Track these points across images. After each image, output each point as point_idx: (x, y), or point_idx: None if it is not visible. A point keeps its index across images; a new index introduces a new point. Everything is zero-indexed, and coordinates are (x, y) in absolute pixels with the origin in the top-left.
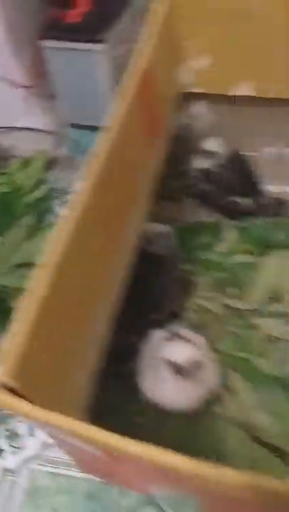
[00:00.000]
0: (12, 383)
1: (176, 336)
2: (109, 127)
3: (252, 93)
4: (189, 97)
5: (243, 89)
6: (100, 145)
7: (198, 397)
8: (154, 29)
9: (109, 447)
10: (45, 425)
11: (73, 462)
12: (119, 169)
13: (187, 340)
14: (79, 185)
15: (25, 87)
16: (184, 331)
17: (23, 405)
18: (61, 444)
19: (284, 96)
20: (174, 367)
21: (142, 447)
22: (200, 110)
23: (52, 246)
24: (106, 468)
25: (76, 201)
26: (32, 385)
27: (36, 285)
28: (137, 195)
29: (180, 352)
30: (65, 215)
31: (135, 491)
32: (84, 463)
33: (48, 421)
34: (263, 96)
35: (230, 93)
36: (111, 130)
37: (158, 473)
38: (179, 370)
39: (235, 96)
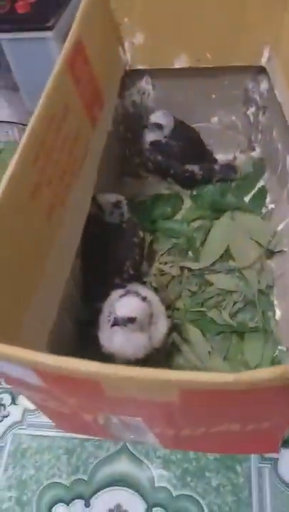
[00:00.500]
0: None
1: (130, 293)
2: (44, 100)
3: (190, 64)
4: (134, 75)
5: (182, 62)
6: (34, 121)
7: (145, 346)
8: (87, 7)
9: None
10: None
11: (52, 423)
12: (58, 141)
13: (138, 295)
14: (12, 162)
15: None
16: (139, 288)
17: None
18: (36, 403)
19: (220, 64)
20: (121, 319)
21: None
22: (146, 86)
23: None
24: (74, 417)
25: (12, 176)
26: None
27: None
28: (81, 163)
29: (128, 304)
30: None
31: (106, 438)
32: (59, 420)
33: None
34: (200, 66)
35: (170, 66)
36: (46, 102)
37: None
38: (124, 321)
39: (177, 69)
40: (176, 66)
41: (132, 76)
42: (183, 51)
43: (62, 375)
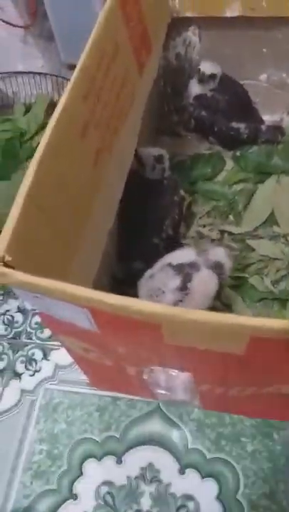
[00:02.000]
0: (7, 257)
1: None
2: (95, 34)
3: (243, 13)
4: (181, 23)
5: (234, 10)
6: (86, 57)
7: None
8: None
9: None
10: (35, 291)
11: (85, 380)
12: (107, 81)
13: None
14: (64, 96)
15: (22, 27)
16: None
17: (17, 274)
18: (76, 356)
19: (276, 14)
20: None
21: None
22: (192, 37)
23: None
24: (114, 371)
25: (63, 109)
26: (27, 260)
27: (27, 176)
28: (128, 109)
29: (182, 254)
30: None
31: (141, 396)
32: (96, 376)
33: (38, 285)
34: (253, 15)
35: (221, 14)
36: (97, 36)
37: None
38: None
39: (227, 18)
40: (228, 15)
41: (178, 25)
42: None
43: (122, 316)
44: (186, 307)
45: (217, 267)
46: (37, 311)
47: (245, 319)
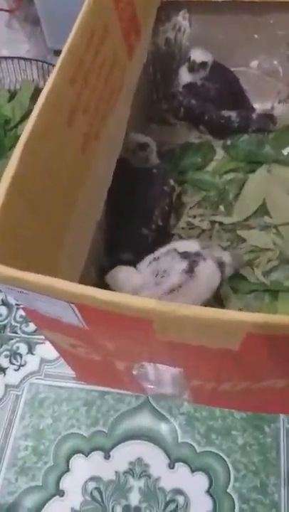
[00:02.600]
0: None
1: None
2: (83, 14)
3: None
4: (171, 7)
5: None
6: (73, 37)
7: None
8: None
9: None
10: (18, 286)
11: (72, 374)
12: (95, 64)
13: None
14: (50, 79)
15: (7, 11)
16: None
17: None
18: (62, 351)
19: None
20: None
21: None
22: (182, 22)
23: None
24: (102, 366)
25: (49, 93)
26: (11, 252)
27: (12, 162)
28: (117, 95)
29: (187, 243)
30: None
31: (130, 390)
32: (83, 371)
33: (23, 280)
34: None
35: None
36: (85, 17)
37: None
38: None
39: (218, 3)
40: None
41: (167, 9)
42: None
43: (112, 312)
44: (187, 292)
45: (221, 265)
46: (21, 305)
47: (240, 314)
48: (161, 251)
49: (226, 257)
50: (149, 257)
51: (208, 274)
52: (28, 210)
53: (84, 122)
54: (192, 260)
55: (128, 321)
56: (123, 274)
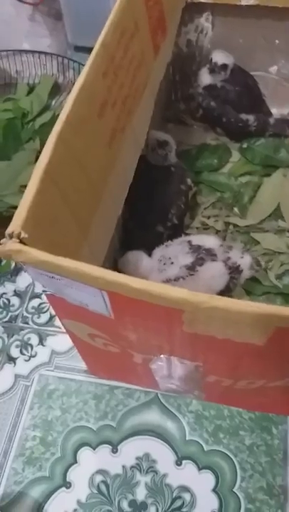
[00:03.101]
0: (23, 234)
1: None
2: (116, 10)
3: (258, 2)
4: (195, 9)
5: None
6: (106, 33)
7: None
8: None
9: (111, 284)
10: (52, 271)
11: (82, 367)
12: (125, 60)
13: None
14: (84, 71)
15: (31, 4)
16: None
17: (35, 252)
18: (79, 341)
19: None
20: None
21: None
22: (205, 24)
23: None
24: (119, 359)
25: (83, 85)
26: (43, 238)
27: (45, 152)
28: (142, 91)
29: (206, 238)
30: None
31: (142, 385)
32: (96, 363)
33: (57, 265)
34: (269, 5)
35: (236, 2)
36: (118, 13)
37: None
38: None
39: (242, 7)
40: (243, 3)
41: (191, 10)
42: None
43: (142, 301)
44: (188, 285)
45: (234, 270)
46: (47, 292)
47: (271, 308)
48: (177, 240)
49: (245, 261)
50: (166, 243)
51: (211, 276)
52: (60, 198)
53: (112, 116)
54: (199, 257)
55: (158, 310)
56: (134, 257)
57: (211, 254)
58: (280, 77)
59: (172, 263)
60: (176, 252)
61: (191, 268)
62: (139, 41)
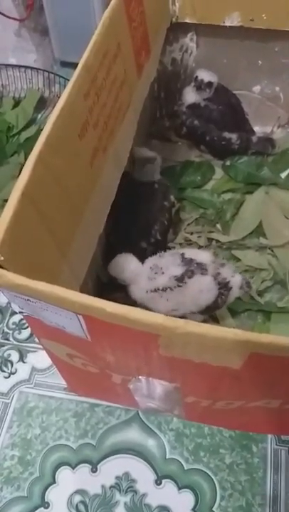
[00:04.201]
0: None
1: None
2: (99, 32)
3: (242, 23)
4: (179, 29)
5: (234, 20)
6: (89, 54)
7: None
8: None
9: (86, 308)
10: (27, 294)
11: (63, 384)
12: (107, 81)
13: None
14: (65, 93)
15: (17, 20)
16: None
17: (10, 275)
18: (58, 360)
19: (275, 27)
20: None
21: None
22: (190, 44)
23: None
24: (98, 379)
25: (64, 106)
26: (20, 261)
27: (24, 172)
28: (125, 111)
29: (198, 252)
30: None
31: (122, 404)
32: (76, 382)
33: (32, 288)
34: (252, 26)
35: (220, 23)
36: (101, 35)
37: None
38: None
39: (225, 27)
40: (227, 24)
41: (176, 30)
42: (237, 8)
43: (117, 325)
44: (172, 299)
45: (223, 286)
46: (24, 314)
47: (246, 334)
48: (169, 251)
49: (236, 280)
50: (159, 254)
51: (199, 290)
52: (39, 218)
53: (94, 136)
54: (189, 270)
55: (134, 334)
56: (122, 260)
57: (201, 268)
58: (263, 96)
59: (163, 273)
60: (167, 263)
61: (180, 279)
62: (122, 62)
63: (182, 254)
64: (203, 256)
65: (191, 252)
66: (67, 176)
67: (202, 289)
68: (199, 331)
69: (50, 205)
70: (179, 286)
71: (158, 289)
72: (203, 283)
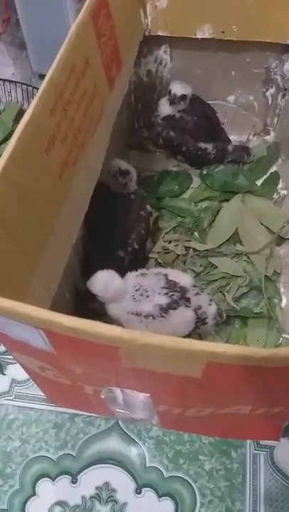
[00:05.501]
0: None
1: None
2: (65, 48)
3: (213, 35)
4: (153, 42)
5: (205, 32)
6: (54, 70)
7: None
8: None
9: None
10: None
11: (42, 396)
12: (75, 95)
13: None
14: (30, 109)
15: None
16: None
17: None
18: (32, 373)
19: (245, 38)
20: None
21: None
22: (163, 56)
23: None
24: (71, 390)
25: (29, 122)
26: None
27: None
28: (96, 123)
29: (180, 274)
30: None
31: (99, 413)
32: (53, 393)
33: None
34: (223, 38)
35: (192, 35)
36: (67, 51)
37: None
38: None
39: (198, 40)
40: (199, 36)
41: (150, 43)
42: (208, 21)
43: (78, 339)
44: (150, 328)
45: (200, 321)
46: None
47: (201, 344)
48: (152, 270)
49: (212, 311)
50: (140, 271)
51: (179, 322)
52: (5, 234)
53: (62, 150)
54: (173, 301)
55: (94, 347)
56: (104, 277)
57: (184, 297)
58: (238, 105)
59: (148, 297)
60: (152, 286)
61: (165, 310)
62: (92, 76)
63: (166, 276)
64: (185, 279)
65: (174, 274)
66: (34, 190)
67: (182, 323)
68: (156, 343)
69: (16, 221)
70: (162, 316)
71: (140, 314)
72: (186, 317)
